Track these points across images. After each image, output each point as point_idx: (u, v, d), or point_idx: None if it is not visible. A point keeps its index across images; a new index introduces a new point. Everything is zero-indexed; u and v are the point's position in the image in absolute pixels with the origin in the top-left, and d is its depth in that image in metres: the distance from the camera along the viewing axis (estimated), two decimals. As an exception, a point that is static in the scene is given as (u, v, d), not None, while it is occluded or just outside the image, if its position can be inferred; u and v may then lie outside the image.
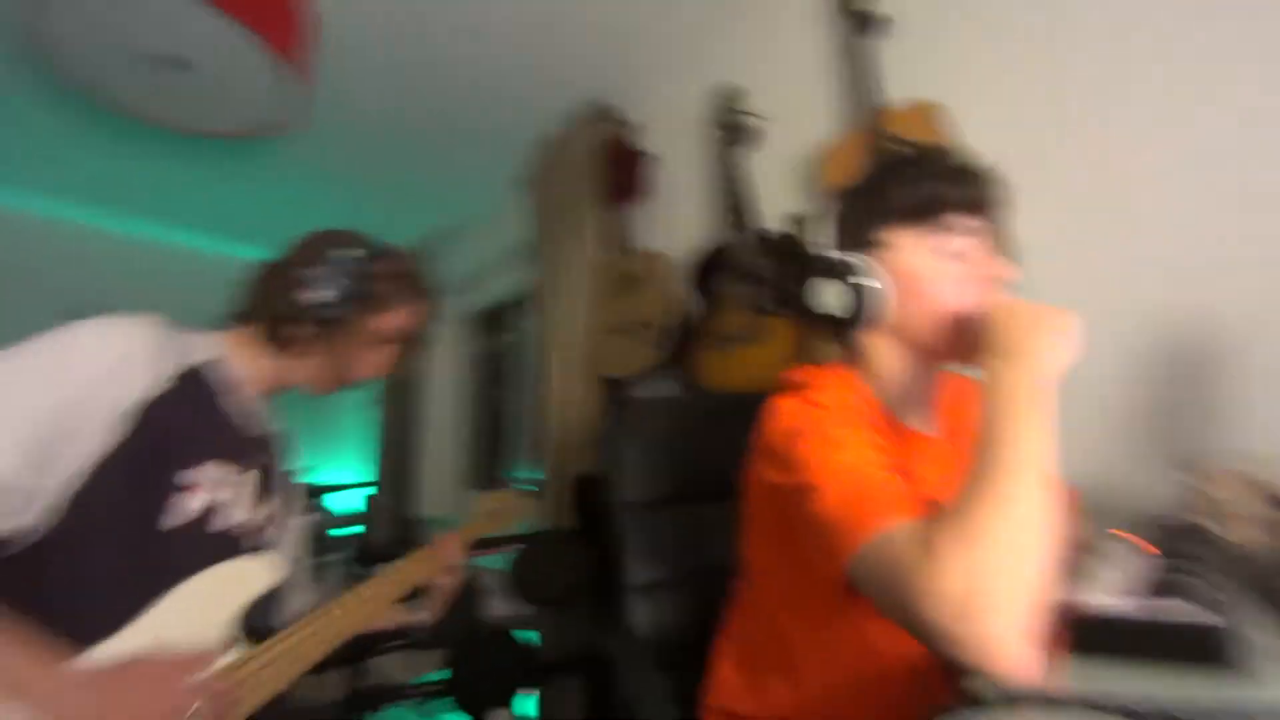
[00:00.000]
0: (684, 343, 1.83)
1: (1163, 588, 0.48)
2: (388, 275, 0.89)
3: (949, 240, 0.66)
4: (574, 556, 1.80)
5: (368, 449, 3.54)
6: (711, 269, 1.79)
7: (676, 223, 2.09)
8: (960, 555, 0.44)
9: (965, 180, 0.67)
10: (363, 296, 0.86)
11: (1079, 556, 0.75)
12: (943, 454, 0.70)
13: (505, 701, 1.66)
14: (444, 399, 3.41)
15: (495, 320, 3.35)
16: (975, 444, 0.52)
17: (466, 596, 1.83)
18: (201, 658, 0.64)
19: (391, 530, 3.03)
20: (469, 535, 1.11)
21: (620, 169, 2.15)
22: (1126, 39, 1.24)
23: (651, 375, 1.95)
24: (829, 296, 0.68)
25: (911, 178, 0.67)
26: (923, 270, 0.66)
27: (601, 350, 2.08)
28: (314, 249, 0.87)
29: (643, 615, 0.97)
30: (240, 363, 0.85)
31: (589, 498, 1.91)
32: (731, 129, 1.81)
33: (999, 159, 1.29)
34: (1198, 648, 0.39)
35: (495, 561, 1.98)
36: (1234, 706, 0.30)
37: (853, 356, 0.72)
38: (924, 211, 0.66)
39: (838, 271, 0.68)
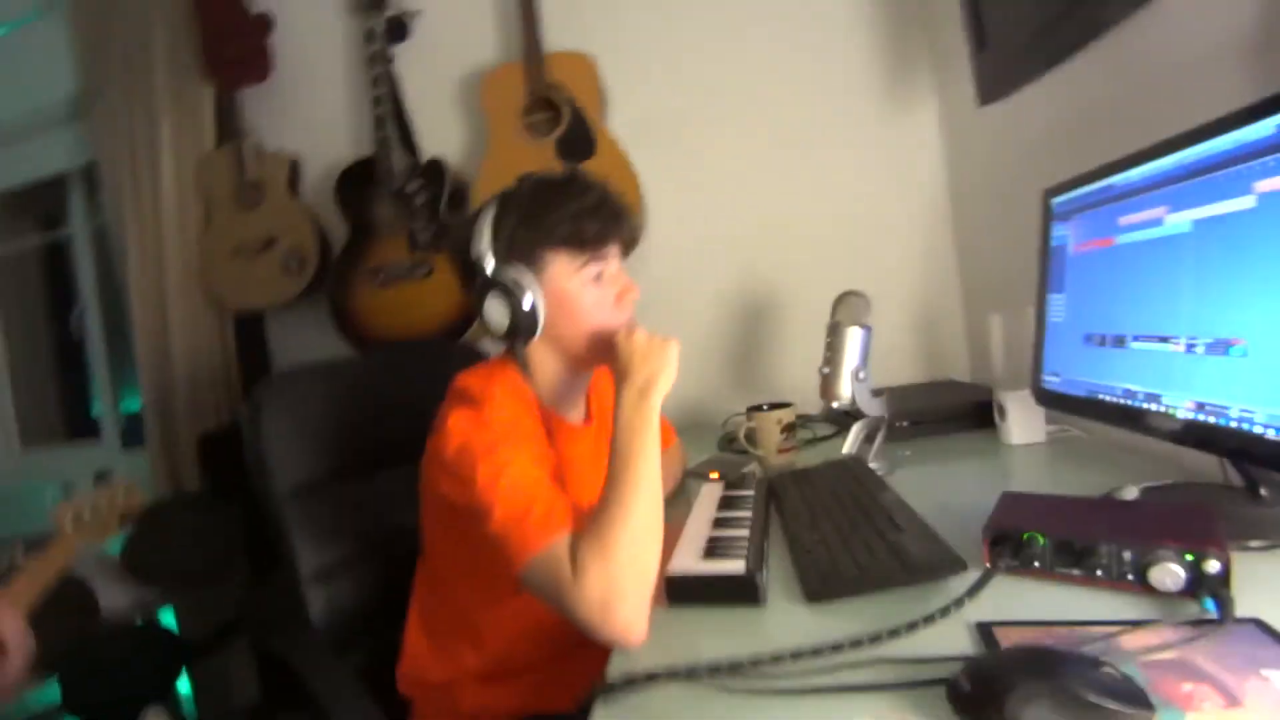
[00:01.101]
0: (329, 271, 1.61)
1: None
2: None
3: (597, 266, 0.75)
4: (206, 525, 1.54)
5: None
6: (357, 185, 1.56)
7: (306, 119, 1.71)
8: (597, 569, 0.57)
9: (615, 215, 0.76)
10: None
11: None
12: (591, 437, 0.84)
13: (145, 702, 1.39)
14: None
15: (34, 204, 2.30)
16: (609, 461, 0.65)
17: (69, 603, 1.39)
18: None
19: None
20: (32, 588, 0.83)
21: (219, 25, 1.61)
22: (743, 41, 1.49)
23: (290, 309, 1.68)
24: (495, 312, 0.72)
25: (571, 209, 0.73)
26: (574, 293, 0.74)
27: (218, 273, 1.66)
28: None
29: (320, 603, 0.93)
30: None
31: (220, 458, 1.61)
32: (376, 14, 1.53)
33: (634, 127, 1.47)
34: (735, 590, 0.60)
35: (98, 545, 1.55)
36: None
37: (516, 359, 0.77)
38: (579, 241, 0.73)
39: (503, 290, 0.71)
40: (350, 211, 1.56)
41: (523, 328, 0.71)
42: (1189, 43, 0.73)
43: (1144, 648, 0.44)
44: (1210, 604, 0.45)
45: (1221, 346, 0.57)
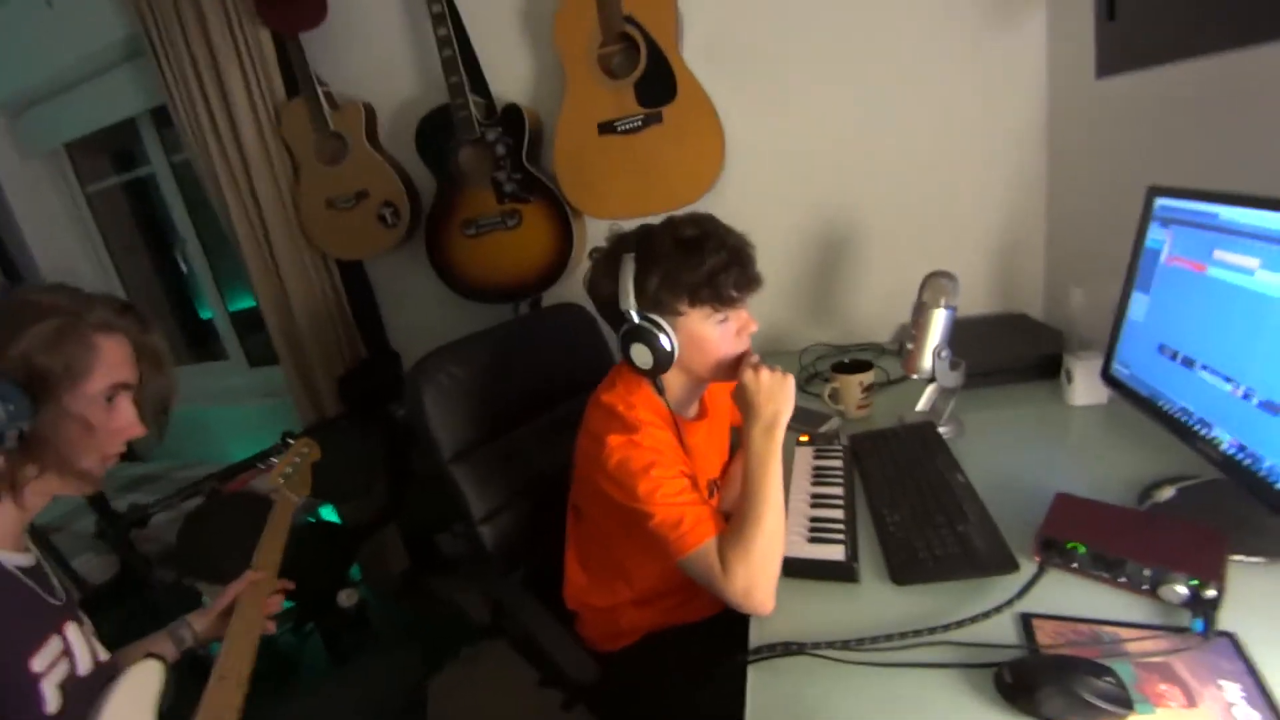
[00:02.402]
0: (419, 219, 1.70)
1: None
2: (52, 341, 0.68)
3: (726, 313, 0.87)
4: (356, 446, 1.85)
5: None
6: (436, 134, 1.59)
7: (365, 63, 1.68)
8: (740, 567, 0.78)
9: (745, 274, 0.86)
10: (37, 397, 0.67)
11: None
12: (706, 427, 1.02)
13: (340, 584, 1.85)
14: (60, 256, 2.48)
15: (108, 143, 2.39)
16: (743, 482, 0.83)
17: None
18: None
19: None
20: (277, 548, 1.06)
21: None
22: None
23: (392, 257, 1.81)
24: (640, 355, 0.86)
25: (706, 270, 0.84)
26: (705, 335, 0.88)
27: (317, 226, 1.78)
28: None
29: (491, 538, 1.21)
30: None
31: (356, 392, 1.88)
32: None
33: (703, 50, 1.40)
34: (836, 572, 0.81)
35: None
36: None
37: (652, 382, 0.92)
38: (710, 296, 0.85)
39: (647, 340, 0.85)
40: (434, 163, 1.61)
41: (662, 367, 0.86)
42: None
43: (1141, 651, 0.63)
44: (1199, 625, 0.63)
45: (1273, 408, 0.67)
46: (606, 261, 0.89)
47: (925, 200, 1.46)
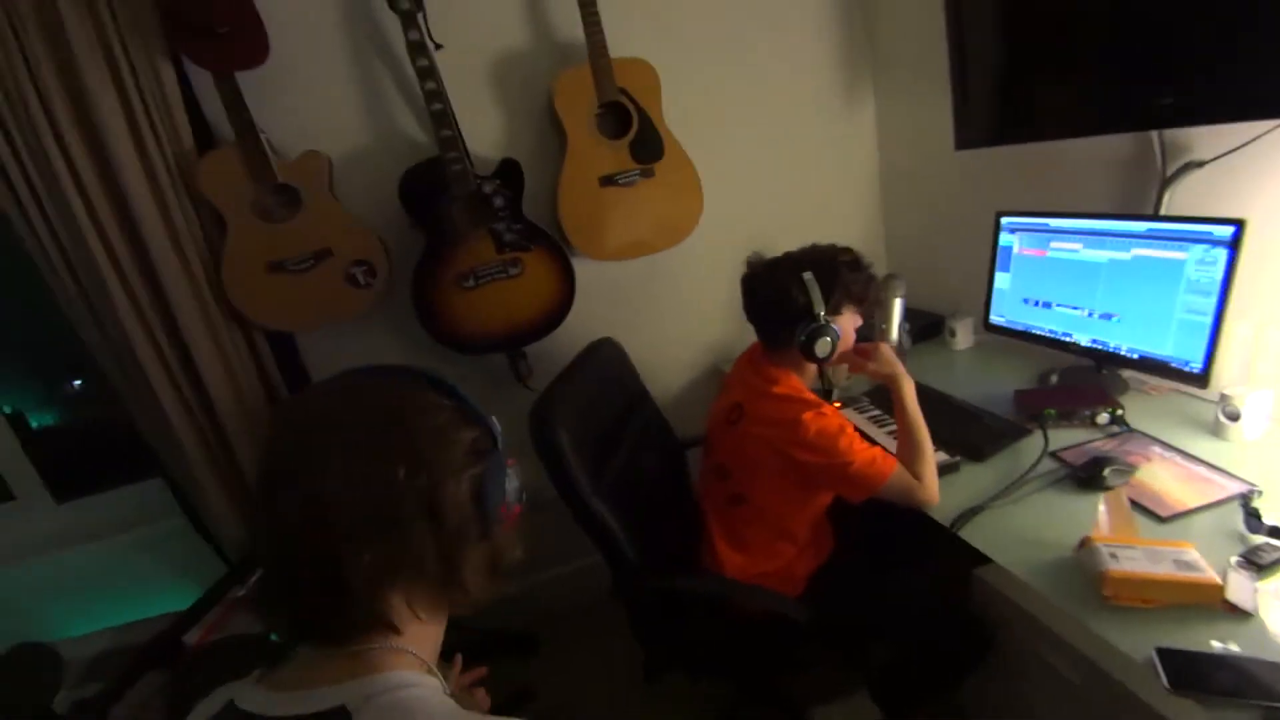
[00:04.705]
0: (393, 277, 1.60)
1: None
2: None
3: (863, 311, 1.22)
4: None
5: None
6: (425, 188, 1.55)
7: (311, 110, 1.53)
8: (927, 475, 1.13)
9: (873, 279, 1.21)
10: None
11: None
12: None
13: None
14: None
15: None
16: (906, 419, 1.18)
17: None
18: None
19: None
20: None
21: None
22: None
23: (363, 319, 1.63)
24: (823, 347, 1.15)
25: (862, 280, 1.18)
26: (849, 328, 1.22)
27: (255, 293, 1.49)
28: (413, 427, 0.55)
29: (634, 551, 1.29)
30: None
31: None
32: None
33: (684, 121, 1.75)
34: (953, 468, 1.23)
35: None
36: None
37: (800, 366, 1.22)
38: (862, 301, 1.19)
39: (829, 334, 1.14)
40: (423, 218, 1.55)
41: (830, 356, 1.16)
42: (1093, 152, 1.43)
43: (1111, 447, 1.20)
44: (1125, 428, 1.23)
45: (1108, 316, 1.33)
46: (789, 278, 1.16)
47: (810, 222, 2.04)
